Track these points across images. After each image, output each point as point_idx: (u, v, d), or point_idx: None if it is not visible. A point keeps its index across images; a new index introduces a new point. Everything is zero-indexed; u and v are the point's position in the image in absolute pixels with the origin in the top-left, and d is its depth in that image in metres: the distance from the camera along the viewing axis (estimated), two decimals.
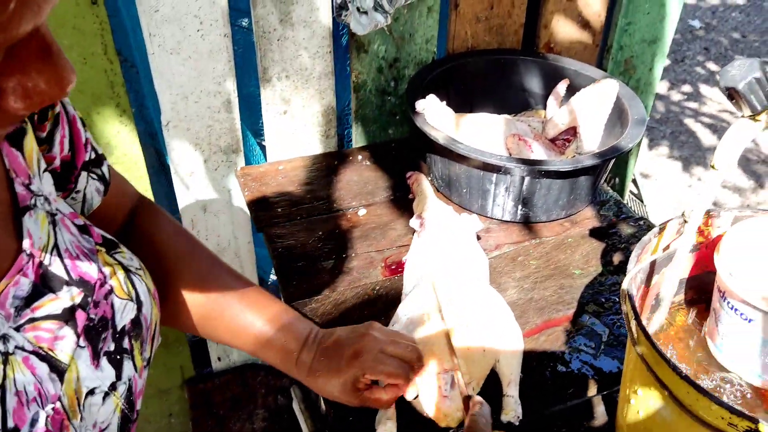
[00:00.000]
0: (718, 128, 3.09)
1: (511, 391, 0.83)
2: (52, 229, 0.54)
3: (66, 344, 0.51)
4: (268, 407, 1.60)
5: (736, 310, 0.69)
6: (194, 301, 0.74)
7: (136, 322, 0.57)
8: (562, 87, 1.27)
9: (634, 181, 2.26)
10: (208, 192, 1.31)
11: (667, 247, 0.75)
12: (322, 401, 0.91)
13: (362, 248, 1.09)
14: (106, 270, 0.56)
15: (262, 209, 1.17)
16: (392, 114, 1.36)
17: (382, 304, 0.99)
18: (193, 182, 1.28)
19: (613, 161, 1.14)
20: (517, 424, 0.81)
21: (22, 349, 0.48)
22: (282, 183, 1.24)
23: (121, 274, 0.57)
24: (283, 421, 1.59)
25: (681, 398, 0.61)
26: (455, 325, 0.82)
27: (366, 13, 1.10)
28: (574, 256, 1.09)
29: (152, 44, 1.10)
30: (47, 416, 0.47)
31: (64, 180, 0.62)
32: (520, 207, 1.12)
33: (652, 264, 0.77)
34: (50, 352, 0.49)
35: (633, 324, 0.66)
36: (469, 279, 0.91)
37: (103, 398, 0.53)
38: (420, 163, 1.28)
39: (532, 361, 0.90)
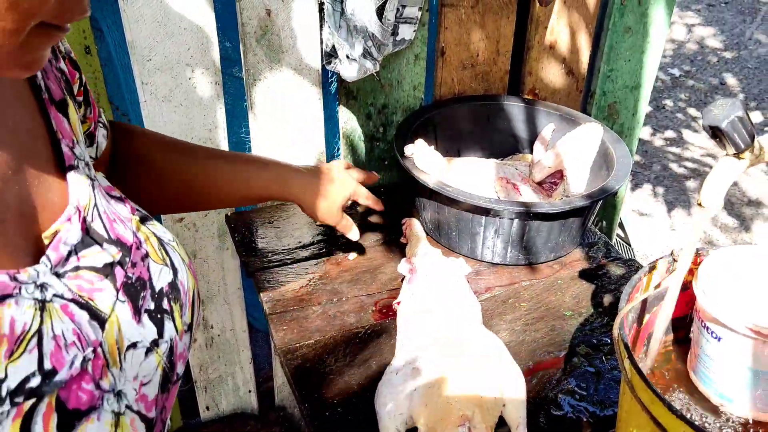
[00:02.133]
0: (700, 172, 3.14)
1: (521, 430, 0.82)
2: (92, 192, 0.57)
3: (106, 296, 0.53)
4: None
5: (708, 329, 0.70)
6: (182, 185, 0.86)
7: (173, 285, 0.59)
8: (548, 131, 1.29)
9: (621, 225, 2.28)
10: (198, 237, 1.30)
11: (658, 285, 0.75)
12: None
13: (353, 292, 1.09)
14: (140, 235, 0.59)
15: (252, 254, 1.17)
16: (381, 159, 1.37)
17: (374, 347, 0.98)
18: (182, 228, 1.28)
19: (600, 204, 1.16)
20: None
21: (61, 297, 0.49)
22: (272, 228, 1.24)
23: (155, 242, 0.60)
24: None
25: None
26: (462, 373, 0.82)
27: (355, 60, 1.12)
28: (565, 297, 1.09)
29: (144, 92, 1.11)
30: (87, 359, 0.48)
31: (91, 137, 0.67)
32: (509, 249, 1.13)
33: (643, 303, 0.78)
34: (90, 301, 0.51)
35: (626, 363, 0.65)
36: (466, 322, 0.91)
37: (146, 353, 0.54)
38: (410, 209, 1.29)
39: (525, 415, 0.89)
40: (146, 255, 0.58)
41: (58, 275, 0.50)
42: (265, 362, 1.75)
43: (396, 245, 1.19)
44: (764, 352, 0.66)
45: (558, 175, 1.23)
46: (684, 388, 0.77)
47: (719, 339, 0.69)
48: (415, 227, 1.15)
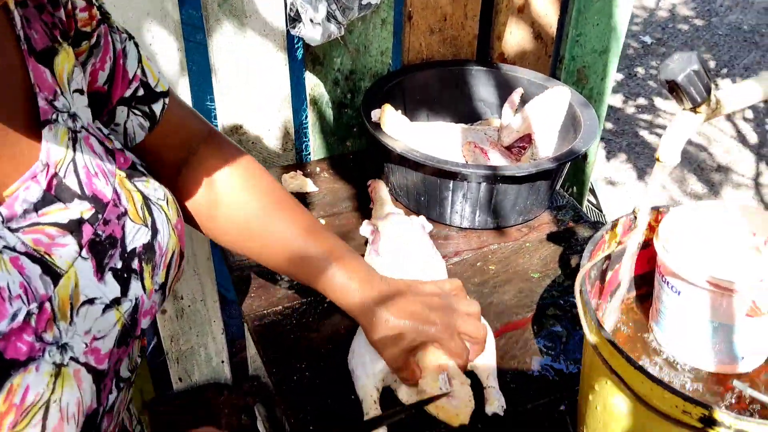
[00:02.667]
0: (691, 160, 3.17)
1: (491, 382, 0.84)
2: (72, 145, 0.56)
3: (66, 252, 0.53)
4: (232, 427, 1.56)
5: (668, 283, 0.71)
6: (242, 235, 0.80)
7: (148, 246, 0.59)
8: (516, 95, 1.29)
9: (592, 191, 2.30)
10: None
11: (620, 243, 0.76)
12: (285, 423, 0.90)
13: None
14: (122, 192, 0.59)
15: None
16: (350, 126, 1.36)
17: (343, 312, 0.98)
18: None
19: (568, 166, 1.16)
20: (502, 414, 0.81)
21: (13, 249, 0.49)
22: None
23: (138, 200, 0.60)
24: None
25: (636, 389, 0.61)
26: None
27: (319, 23, 1.11)
28: (533, 260, 1.10)
29: None
30: (31, 313, 0.49)
31: (97, 110, 0.65)
32: (477, 213, 1.13)
33: (606, 261, 0.78)
34: (46, 256, 0.51)
35: (587, 317, 0.66)
36: (431, 278, 0.91)
37: (104, 310, 0.55)
38: (379, 174, 1.28)
39: (496, 367, 0.90)
40: (124, 213, 0.58)
41: (12, 230, 0.50)
42: (238, 333, 1.75)
43: (366, 211, 1.19)
44: (722, 305, 0.67)
45: (526, 139, 1.23)
46: (645, 344, 0.78)
47: (679, 293, 0.70)
48: (380, 190, 1.15)
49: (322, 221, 1.16)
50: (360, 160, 1.35)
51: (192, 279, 1.40)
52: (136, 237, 0.58)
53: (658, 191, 0.61)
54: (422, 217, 1.05)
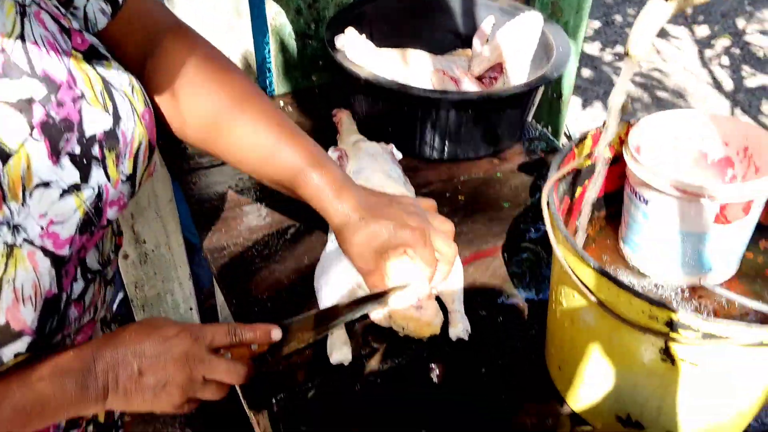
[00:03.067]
0: (648, 86, 3.15)
1: (457, 306, 0.81)
2: (20, 20, 0.54)
3: (15, 131, 0.52)
4: None
5: (636, 194, 0.68)
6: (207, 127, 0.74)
7: (110, 134, 0.58)
8: (487, 24, 1.24)
9: (568, 136, 2.27)
10: None
11: (590, 155, 0.72)
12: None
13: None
14: (79, 75, 0.57)
15: (180, 157, 1.11)
16: (314, 59, 1.30)
17: (306, 243, 0.94)
18: None
19: (542, 99, 1.12)
20: (466, 338, 0.79)
21: None
22: None
23: (98, 84, 0.58)
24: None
25: (603, 298, 0.59)
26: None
27: None
28: (503, 189, 1.07)
29: None
30: None
31: None
32: (447, 144, 1.09)
33: (575, 176, 0.75)
34: None
35: (554, 228, 0.63)
36: None
37: (61, 195, 0.55)
38: (346, 107, 1.23)
39: (463, 292, 0.87)
40: (81, 96, 0.56)
41: None
42: (206, 280, 1.71)
43: (333, 144, 1.14)
44: (691, 212, 0.65)
45: (498, 69, 1.18)
46: (615, 261, 0.76)
47: (646, 202, 0.67)
48: (345, 118, 1.11)
49: None
50: (326, 93, 1.30)
51: (154, 222, 1.35)
52: (95, 122, 0.56)
53: (628, 85, 0.58)
54: (392, 145, 1.01)
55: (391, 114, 1.07)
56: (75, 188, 0.56)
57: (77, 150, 0.55)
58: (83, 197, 0.56)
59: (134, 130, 0.60)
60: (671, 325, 0.55)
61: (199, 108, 0.73)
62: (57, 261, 0.56)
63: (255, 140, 0.73)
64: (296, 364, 0.78)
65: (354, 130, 1.08)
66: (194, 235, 1.52)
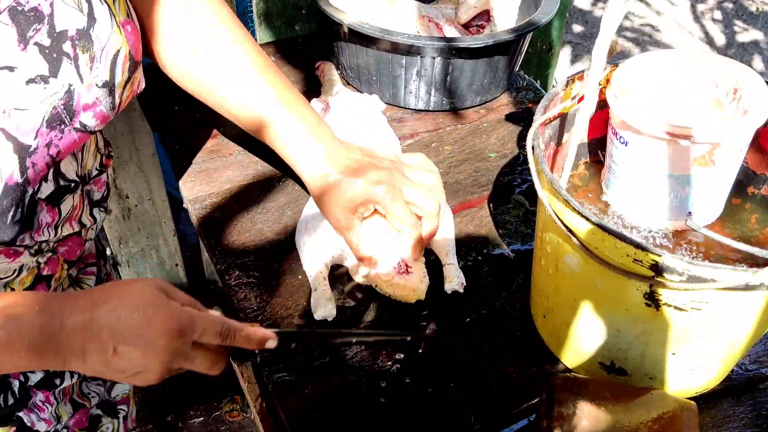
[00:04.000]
0: (640, 41, 3.11)
1: (450, 259, 0.81)
2: None
3: None
4: None
5: (617, 135, 0.67)
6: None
7: (83, 33, 0.57)
8: None
9: None
10: None
11: (577, 97, 0.71)
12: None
13: None
14: None
15: (159, 109, 1.08)
16: (297, 8, 1.27)
17: (289, 194, 0.93)
18: None
19: (528, 41, 1.10)
20: (461, 291, 0.78)
21: None
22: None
23: None
24: None
25: (587, 242, 0.58)
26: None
27: None
28: (490, 140, 1.05)
29: None
30: None
31: None
32: (433, 93, 1.07)
33: (562, 122, 0.74)
34: None
35: (538, 171, 0.62)
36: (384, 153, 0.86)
37: (27, 83, 0.54)
38: (330, 58, 1.20)
39: (455, 243, 0.86)
40: None
41: None
42: (192, 236, 1.70)
43: (316, 96, 1.11)
44: (673, 154, 0.63)
45: (485, 17, 1.16)
46: (598, 204, 0.74)
47: (626, 143, 0.66)
48: (328, 70, 1.08)
49: None
50: (310, 43, 1.26)
51: (137, 177, 1.33)
52: (68, 20, 0.55)
53: (616, 25, 0.56)
54: (375, 96, 0.99)
55: (376, 63, 1.05)
56: (42, 79, 0.55)
57: (46, 42, 0.54)
58: (51, 91, 0.55)
59: (111, 36, 0.59)
60: (656, 268, 0.54)
61: (172, 39, 0.74)
62: (21, 148, 0.55)
63: (225, 75, 0.74)
64: (279, 315, 0.77)
65: (336, 80, 1.06)
66: (177, 190, 1.50)
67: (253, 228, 0.88)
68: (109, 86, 0.60)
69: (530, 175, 0.98)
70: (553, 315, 0.71)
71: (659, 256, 0.53)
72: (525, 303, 0.79)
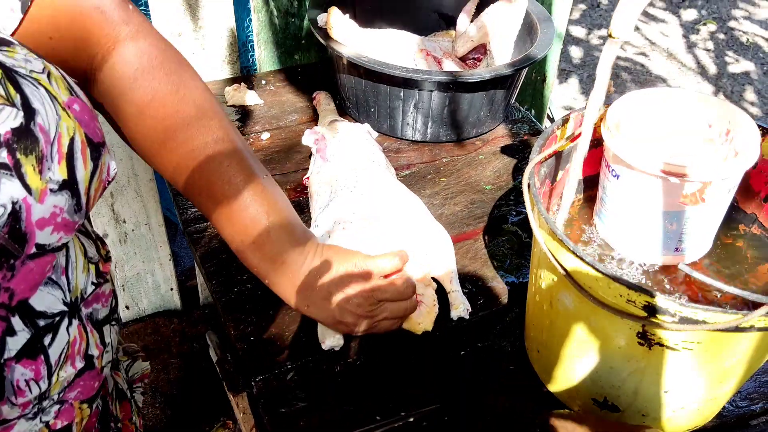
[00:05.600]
0: (632, 71, 3.15)
1: (454, 286, 0.82)
2: None
3: None
4: (183, 355, 1.53)
5: (610, 168, 0.68)
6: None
7: (23, 132, 0.45)
8: (472, 5, 1.23)
9: (551, 119, 2.27)
10: (103, 122, 1.21)
11: (572, 137, 0.72)
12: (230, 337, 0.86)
13: None
14: None
15: None
16: (297, 38, 1.29)
17: None
18: None
19: (525, 81, 1.12)
20: (467, 317, 0.79)
21: None
22: None
23: None
24: (199, 369, 1.53)
25: (581, 281, 0.59)
26: (383, 239, 0.79)
27: None
28: (485, 172, 1.06)
29: None
30: None
31: None
32: (430, 125, 1.09)
33: (557, 159, 0.75)
34: None
35: (534, 210, 0.63)
36: (380, 183, 0.87)
37: None
38: (329, 87, 1.22)
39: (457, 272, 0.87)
40: None
41: None
42: (188, 260, 1.70)
43: (312, 125, 1.13)
44: (664, 191, 0.65)
45: (481, 50, 1.18)
46: (590, 238, 0.76)
47: (618, 177, 0.67)
48: (323, 100, 1.09)
49: (267, 135, 1.10)
50: (309, 73, 1.28)
51: (134, 201, 1.34)
52: None
53: (611, 69, 0.57)
54: (366, 125, 1.01)
55: (374, 95, 1.06)
56: None
57: None
58: None
59: (59, 124, 0.47)
60: (648, 309, 0.55)
61: (144, 134, 0.67)
62: None
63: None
64: (276, 346, 0.77)
65: (331, 110, 1.07)
66: (175, 215, 1.51)
67: None
68: (70, 186, 0.48)
69: (525, 208, 0.99)
70: (547, 350, 0.72)
71: (651, 297, 0.54)
72: (519, 336, 0.80)
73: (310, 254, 0.71)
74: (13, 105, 0.44)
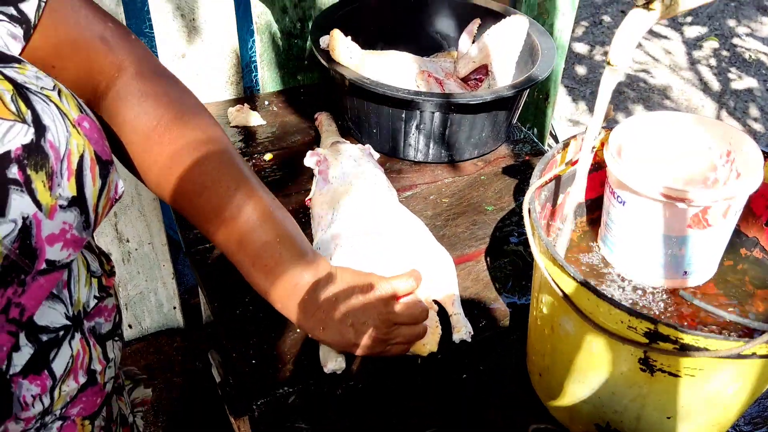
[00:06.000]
0: (635, 87, 3.16)
1: (456, 309, 0.82)
2: None
3: None
4: (186, 374, 1.53)
5: (615, 194, 0.68)
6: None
7: (33, 147, 0.45)
8: (474, 25, 1.24)
9: (554, 136, 2.28)
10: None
11: (572, 163, 0.72)
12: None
13: None
14: None
15: None
16: (300, 59, 1.30)
17: None
18: None
19: (527, 101, 1.12)
20: (469, 340, 0.79)
21: None
22: None
23: (6, 90, 0.46)
24: (202, 388, 1.53)
25: (582, 307, 0.59)
26: (385, 261, 0.79)
27: None
28: (487, 193, 1.06)
29: None
30: None
31: None
32: (432, 146, 1.09)
33: (557, 183, 0.75)
34: None
35: (535, 236, 0.63)
36: (382, 205, 0.88)
37: None
38: (331, 108, 1.22)
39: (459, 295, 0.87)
40: None
41: None
42: (190, 278, 1.70)
43: (315, 146, 1.13)
44: (669, 215, 0.65)
45: (483, 71, 1.18)
46: (595, 265, 0.76)
47: (624, 203, 0.67)
48: (325, 121, 1.10)
49: (269, 155, 1.11)
50: (312, 94, 1.29)
51: (138, 221, 1.34)
52: (7, 137, 0.44)
53: (610, 96, 0.58)
54: (368, 145, 1.01)
55: (376, 116, 1.07)
56: None
57: None
58: None
59: (69, 140, 0.48)
60: (650, 335, 0.55)
61: (150, 159, 0.66)
62: None
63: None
64: (277, 369, 0.77)
65: (333, 131, 1.08)
66: (177, 233, 1.51)
67: None
68: (79, 203, 0.48)
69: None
70: (549, 374, 0.71)
71: (653, 324, 0.54)
72: (521, 359, 0.80)
73: (317, 272, 0.70)
74: (24, 121, 0.45)
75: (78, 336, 0.53)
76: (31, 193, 0.45)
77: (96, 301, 0.57)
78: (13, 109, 0.45)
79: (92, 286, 0.57)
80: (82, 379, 0.54)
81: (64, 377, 0.52)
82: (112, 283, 0.62)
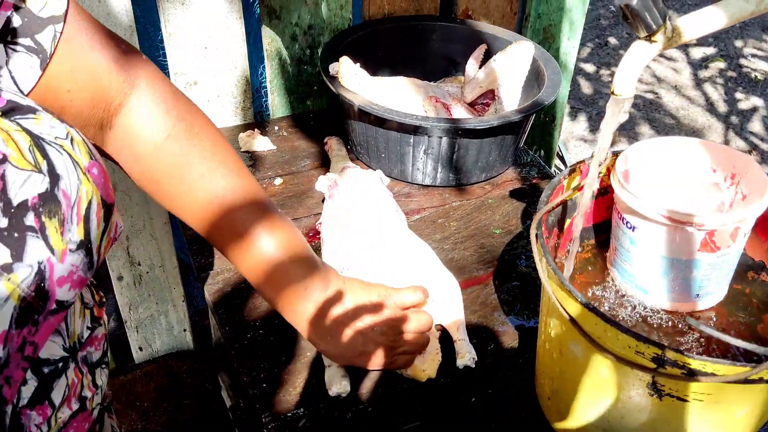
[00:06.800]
0: (640, 107, 3.17)
1: (461, 334, 0.82)
2: None
3: None
4: (196, 396, 1.53)
5: (623, 219, 0.69)
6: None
7: (47, 196, 0.48)
8: (480, 51, 1.26)
9: (561, 157, 2.29)
10: (118, 168, 1.24)
11: (578, 188, 0.73)
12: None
13: None
14: None
15: None
16: (309, 84, 1.32)
17: None
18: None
19: (534, 125, 1.14)
20: (473, 366, 0.79)
21: None
22: None
23: (24, 141, 0.48)
24: (212, 411, 1.53)
25: (590, 332, 0.60)
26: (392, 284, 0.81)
27: None
28: (495, 216, 1.07)
29: None
30: None
31: None
32: (439, 170, 1.10)
33: (564, 208, 0.76)
34: None
35: (542, 260, 0.64)
36: (391, 230, 0.89)
37: None
38: (340, 133, 1.24)
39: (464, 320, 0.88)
40: (3, 159, 0.46)
41: None
42: (200, 300, 1.71)
43: (323, 171, 1.15)
44: (677, 239, 0.66)
45: (490, 95, 1.20)
46: (603, 289, 0.76)
47: (633, 228, 0.68)
48: (335, 146, 1.12)
49: (279, 180, 1.12)
50: (321, 119, 1.31)
51: (149, 244, 1.36)
52: (24, 186, 0.46)
53: (615, 126, 0.59)
54: (379, 171, 1.02)
55: (385, 141, 1.08)
56: (4, 269, 0.45)
57: (3, 223, 0.45)
58: (17, 280, 0.45)
59: (79, 188, 0.50)
60: (657, 360, 0.55)
61: (161, 172, 0.71)
62: None
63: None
64: (288, 392, 0.78)
65: (343, 156, 1.09)
66: (187, 256, 1.52)
67: (263, 304, 0.89)
68: (85, 245, 0.51)
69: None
70: (558, 398, 0.72)
71: (660, 349, 0.54)
72: (530, 382, 0.80)
73: (326, 282, 0.72)
74: (40, 171, 0.48)
75: (72, 365, 0.56)
76: (45, 239, 0.47)
77: (89, 331, 0.60)
78: (31, 159, 0.48)
79: (85, 317, 0.60)
80: (75, 406, 0.57)
81: (60, 405, 0.54)
82: (102, 314, 0.64)
